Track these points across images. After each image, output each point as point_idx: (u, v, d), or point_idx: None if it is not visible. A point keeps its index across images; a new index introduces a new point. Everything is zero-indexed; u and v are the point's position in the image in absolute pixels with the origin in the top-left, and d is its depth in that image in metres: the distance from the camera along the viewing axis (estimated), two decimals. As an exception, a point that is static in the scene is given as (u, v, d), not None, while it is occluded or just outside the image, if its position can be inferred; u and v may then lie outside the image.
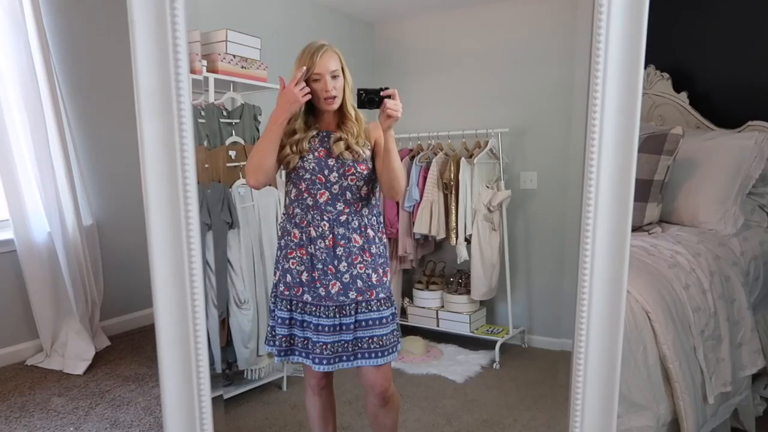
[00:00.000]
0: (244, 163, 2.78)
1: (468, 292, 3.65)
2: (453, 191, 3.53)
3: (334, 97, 1.76)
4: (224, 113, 2.77)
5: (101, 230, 3.55)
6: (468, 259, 3.53)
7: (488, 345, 3.54)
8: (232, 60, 2.80)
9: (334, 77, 1.76)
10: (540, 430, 2.58)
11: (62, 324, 3.19)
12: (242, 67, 2.86)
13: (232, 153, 2.77)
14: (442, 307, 3.77)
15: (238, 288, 2.71)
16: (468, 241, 3.54)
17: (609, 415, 1.26)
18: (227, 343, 2.71)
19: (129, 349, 3.42)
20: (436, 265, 3.98)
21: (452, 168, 3.53)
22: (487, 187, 3.56)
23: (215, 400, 1.14)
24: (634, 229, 2.55)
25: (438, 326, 3.74)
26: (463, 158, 3.52)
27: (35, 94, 3.03)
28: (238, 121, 2.83)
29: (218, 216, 2.64)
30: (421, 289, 3.83)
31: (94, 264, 3.40)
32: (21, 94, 3.01)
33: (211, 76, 2.71)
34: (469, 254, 3.53)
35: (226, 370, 2.84)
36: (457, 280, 3.78)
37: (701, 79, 3.13)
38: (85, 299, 3.26)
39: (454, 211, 3.53)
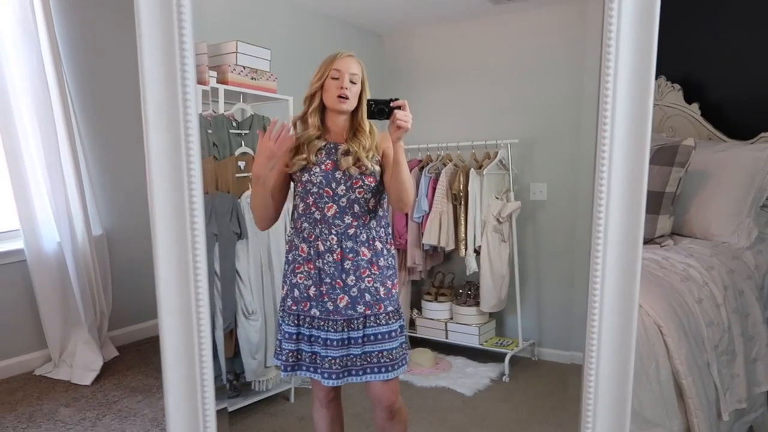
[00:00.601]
0: (254, 173, 2.81)
1: (477, 304, 3.62)
2: (462, 202, 3.51)
3: (347, 98, 1.77)
4: (234, 124, 2.78)
5: (110, 240, 3.56)
6: (477, 271, 3.51)
7: (498, 357, 3.51)
8: (242, 71, 2.82)
9: (352, 81, 1.77)
10: (550, 445, 2.55)
11: (71, 334, 3.19)
12: (252, 78, 2.88)
13: (241, 164, 2.77)
14: (451, 318, 3.75)
15: (246, 299, 2.70)
16: (477, 252, 3.52)
17: (621, 429, 1.23)
18: (235, 354, 2.70)
19: (137, 360, 3.42)
20: (445, 277, 3.96)
21: (461, 179, 3.51)
22: (497, 198, 3.54)
23: (220, 413, 1.13)
24: (646, 242, 2.52)
25: (447, 338, 3.71)
26: (472, 169, 3.50)
27: (47, 104, 3.05)
28: (247, 131, 2.84)
29: (226, 226, 2.64)
30: (430, 301, 3.81)
31: (103, 274, 3.40)
32: (32, 104, 3.03)
33: (221, 87, 2.72)
34: (479, 266, 3.50)
35: (234, 381, 2.83)
36: (467, 291, 3.76)
37: (713, 90, 3.11)
38: (93, 309, 3.27)
39: (463, 222, 3.52)
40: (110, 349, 3.39)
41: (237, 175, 2.74)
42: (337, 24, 3.84)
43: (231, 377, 2.80)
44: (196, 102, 1.00)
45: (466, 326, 3.65)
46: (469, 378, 3.33)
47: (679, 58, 3.08)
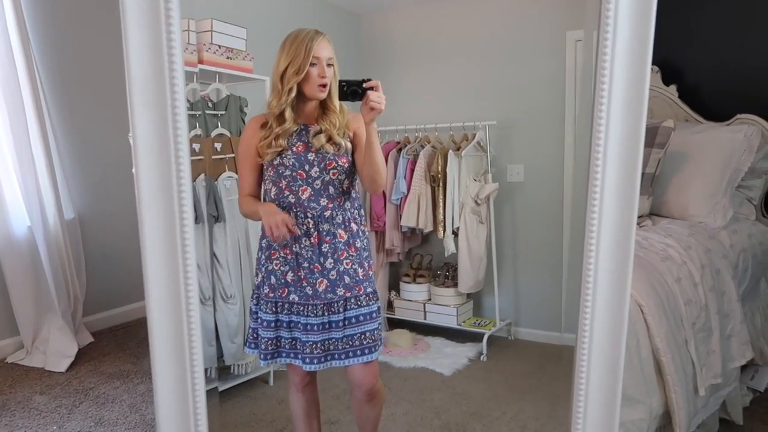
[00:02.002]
0: (231, 155, 2.75)
1: (455, 285, 3.65)
2: (440, 184, 3.52)
3: (327, 84, 1.73)
4: (209, 105, 2.72)
5: (84, 224, 3.47)
6: (455, 252, 3.53)
7: (475, 337, 3.55)
8: (217, 50, 2.75)
9: (328, 65, 1.73)
10: (528, 421, 2.59)
11: (44, 320, 3.12)
12: (228, 58, 2.81)
13: (218, 145, 2.72)
14: (430, 300, 3.77)
15: (225, 282, 2.67)
16: (455, 233, 3.54)
17: (612, 408, 1.25)
18: (214, 338, 2.67)
19: (113, 345, 3.36)
20: (423, 258, 3.97)
21: (440, 161, 3.51)
22: (475, 180, 3.55)
23: (210, 393, 1.12)
24: (625, 222, 2.56)
25: (425, 319, 3.74)
26: (450, 151, 3.50)
27: (14, 86, 2.95)
28: (223, 112, 2.78)
29: (203, 209, 2.59)
30: (408, 282, 3.82)
31: (77, 258, 3.32)
32: (0, 86, 2.93)
33: (196, 67, 2.65)
34: (457, 247, 3.52)
35: (213, 365, 2.80)
36: (445, 273, 3.78)
37: (690, 73, 3.15)
38: (67, 295, 3.20)
39: (441, 204, 3.52)
40: (85, 335, 3.33)
41: (213, 156, 2.69)
42: (313, 2, 3.78)
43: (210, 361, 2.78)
44: (183, 79, 0.96)
45: (444, 307, 3.68)
46: (447, 358, 3.36)
47: (657, 41, 3.09)
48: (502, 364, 3.33)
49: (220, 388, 2.77)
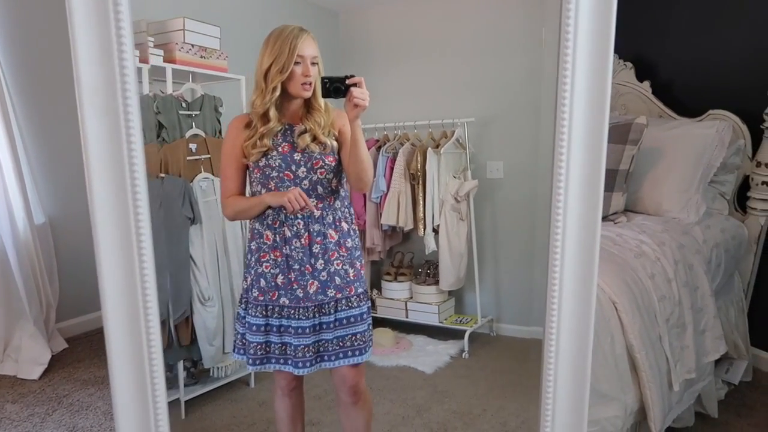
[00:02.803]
0: (206, 156, 2.72)
1: (436, 283, 3.65)
2: (420, 182, 3.51)
3: (311, 83, 1.70)
4: (183, 105, 2.69)
5: (55, 228, 3.39)
6: (436, 250, 3.52)
7: (457, 335, 3.55)
8: (190, 49, 2.72)
9: (313, 63, 1.70)
10: (509, 419, 2.60)
11: (15, 327, 3.06)
12: (201, 57, 2.78)
13: (193, 146, 2.69)
14: (411, 298, 3.77)
15: (202, 285, 2.64)
16: (436, 231, 3.53)
17: (581, 403, 1.25)
18: (191, 341, 2.64)
19: (87, 351, 3.30)
20: (404, 256, 3.96)
21: (419, 158, 3.50)
22: (454, 177, 3.55)
23: (172, 404, 1.09)
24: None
25: (407, 317, 3.73)
26: (429, 148, 3.50)
27: None
28: (198, 113, 2.75)
29: (178, 211, 2.56)
30: (390, 281, 3.81)
31: (48, 264, 3.26)
32: None
33: (169, 67, 2.62)
34: (437, 245, 3.52)
35: (191, 368, 2.78)
36: (426, 270, 3.78)
37: (663, 68, 3.16)
38: (39, 301, 3.14)
39: (421, 202, 3.52)
40: (59, 341, 3.27)
41: (188, 157, 2.66)
42: (290, 0, 3.75)
43: (188, 364, 2.76)
44: (137, 82, 0.94)
45: (425, 305, 3.68)
46: (429, 356, 3.36)
47: (631, 37, 3.12)
48: (484, 360, 3.34)
49: (200, 392, 2.75)
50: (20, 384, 2.89)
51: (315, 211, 1.74)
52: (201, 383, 2.80)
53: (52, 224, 3.38)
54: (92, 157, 0.94)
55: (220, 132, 2.86)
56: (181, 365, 2.67)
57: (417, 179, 3.51)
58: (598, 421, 1.79)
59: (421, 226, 3.53)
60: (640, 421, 2.00)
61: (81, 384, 2.90)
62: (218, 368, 2.77)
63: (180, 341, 2.61)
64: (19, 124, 3.18)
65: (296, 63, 1.67)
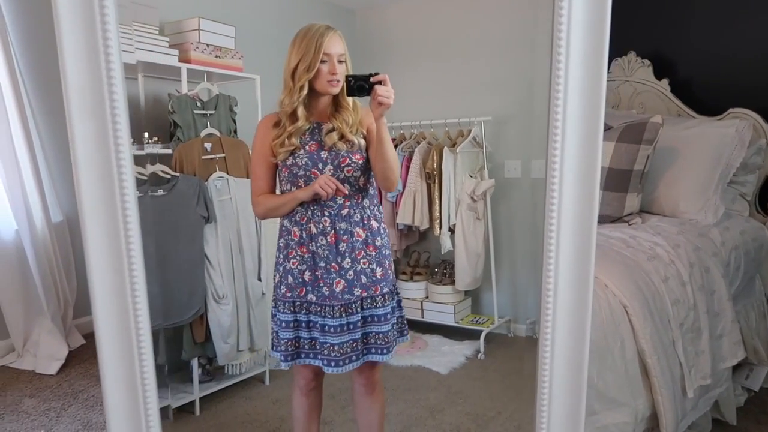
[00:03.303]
0: (221, 155, 2.75)
1: (452, 283, 3.62)
2: (436, 181, 3.49)
3: (339, 80, 1.69)
4: (198, 104, 2.71)
5: (72, 227, 3.43)
6: (452, 249, 3.50)
7: (474, 335, 3.52)
8: (205, 49, 2.74)
9: (340, 61, 1.70)
10: (523, 421, 2.56)
11: (34, 323, 3.13)
12: (216, 57, 2.80)
13: (208, 145, 2.71)
14: (427, 297, 3.75)
15: (216, 283, 2.67)
16: (452, 230, 3.51)
17: (577, 408, 1.22)
18: (206, 339, 2.67)
19: (106, 347, 3.36)
20: (420, 256, 3.95)
21: (435, 157, 3.48)
22: (471, 177, 3.52)
23: (163, 411, 1.10)
24: (614, 220, 2.51)
25: (423, 317, 3.72)
26: (446, 147, 3.47)
27: None
28: (213, 112, 2.77)
29: (192, 210, 2.58)
30: (406, 280, 3.79)
31: (66, 261, 3.31)
32: None
33: (184, 66, 2.64)
34: (453, 244, 3.49)
35: (206, 365, 2.81)
36: (442, 270, 3.75)
37: (683, 66, 3.08)
38: (57, 297, 3.20)
39: (437, 201, 3.50)
40: (76, 337, 3.33)
41: (203, 157, 2.68)
42: (306, -1, 3.75)
43: (204, 361, 2.78)
44: (124, 87, 0.94)
45: (441, 305, 3.66)
46: (444, 356, 3.34)
47: (649, 34, 3.05)
48: (499, 361, 3.30)
49: (215, 389, 2.78)
50: (38, 379, 2.96)
51: (345, 192, 1.72)
52: (216, 380, 2.83)
53: (70, 222, 3.44)
54: (80, 157, 0.95)
55: (235, 131, 2.88)
56: (195, 362, 2.70)
57: (433, 178, 3.49)
58: (606, 427, 1.76)
59: (437, 226, 3.51)
60: (652, 427, 1.96)
61: (97, 380, 2.91)
62: (233, 365, 2.80)
63: (195, 338, 2.64)
64: (36, 122, 3.23)
65: (323, 61, 1.67)
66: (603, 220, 2.54)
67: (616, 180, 2.43)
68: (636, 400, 1.85)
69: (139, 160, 2.56)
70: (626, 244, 2.12)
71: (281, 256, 1.82)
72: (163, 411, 1.39)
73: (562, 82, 0.99)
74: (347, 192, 1.73)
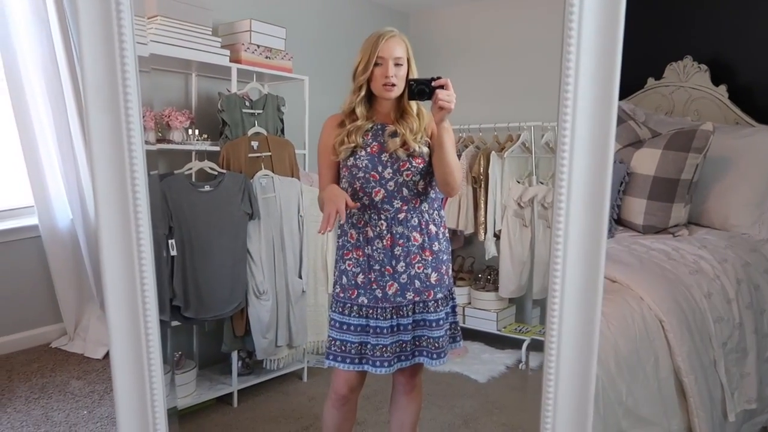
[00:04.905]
0: (267, 153, 2.80)
1: (496, 289, 3.56)
2: (482, 185, 3.44)
3: (394, 84, 1.69)
4: (247, 104, 2.77)
5: (123, 218, 3.61)
6: (496, 255, 3.44)
7: (516, 344, 3.44)
8: (256, 50, 2.81)
9: (397, 65, 1.70)
10: (560, 435, 2.48)
11: (84, 309, 3.27)
12: (266, 57, 2.86)
13: (254, 144, 2.77)
14: (469, 303, 3.70)
15: (258, 279, 2.72)
16: (497, 236, 3.45)
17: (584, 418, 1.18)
18: (246, 333, 2.72)
19: (152, 334, 3.49)
20: (464, 261, 3.90)
21: (482, 162, 3.44)
22: (518, 182, 3.45)
23: (170, 412, 1.13)
24: (658, 231, 2.41)
25: (464, 323, 3.66)
26: (493, 152, 3.42)
27: (57, 82, 3.06)
28: (261, 111, 2.83)
29: (237, 206, 2.64)
30: (449, 285, 3.75)
31: (116, 251, 3.46)
32: (44, 82, 3.05)
33: (234, 66, 2.72)
34: (498, 250, 3.43)
35: (246, 359, 2.87)
36: (486, 276, 3.69)
37: (743, 71, 2.91)
38: (105, 285, 3.34)
39: (482, 206, 3.44)
40: (123, 324, 3.47)
41: (249, 155, 2.74)
42: (361, 2, 3.78)
43: (243, 355, 2.84)
44: (137, 82, 0.98)
45: (484, 311, 3.59)
46: (484, 364, 3.28)
47: (707, 37, 2.90)
48: (541, 372, 3.21)
49: (252, 382, 2.83)
50: (86, 362, 3.09)
51: (356, 205, 1.72)
52: (255, 374, 2.88)
53: (121, 214, 3.60)
54: (96, 152, 0.98)
55: (282, 131, 2.94)
56: (235, 355, 2.76)
57: (479, 183, 3.45)
58: (635, 446, 1.69)
59: (481, 231, 3.46)
60: (688, 449, 1.86)
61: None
62: (271, 360, 2.84)
63: (235, 332, 2.70)
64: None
65: (377, 64, 1.69)
66: (647, 230, 2.44)
67: (662, 189, 2.33)
68: (670, 420, 1.76)
69: (187, 157, 2.65)
70: (668, 256, 2.02)
71: (339, 255, 1.83)
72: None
73: (572, 89, 0.95)
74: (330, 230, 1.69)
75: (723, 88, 2.90)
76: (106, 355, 3.11)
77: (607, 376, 1.61)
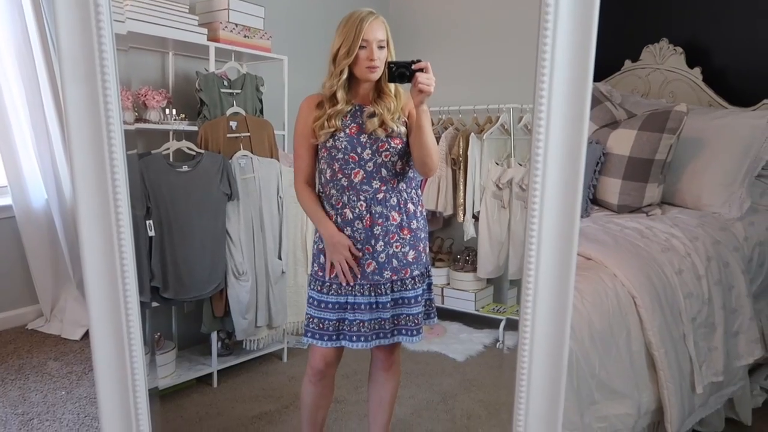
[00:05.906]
0: (246, 134, 2.78)
1: (474, 270, 3.59)
2: (461, 167, 3.46)
3: (377, 66, 1.70)
4: (225, 83, 2.75)
5: (100, 198, 3.58)
6: (475, 237, 3.47)
7: (494, 324, 3.49)
8: (234, 29, 2.78)
9: (380, 47, 1.70)
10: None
11: (61, 290, 3.25)
12: (245, 37, 2.83)
13: (233, 124, 2.75)
14: (448, 284, 3.73)
15: (237, 259, 2.71)
16: (476, 218, 3.48)
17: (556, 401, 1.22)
18: (225, 314, 2.73)
19: (130, 315, 3.48)
20: (443, 242, 3.93)
21: (461, 143, 3.45)
22: (497, 164, 3.48)
23: (152, 392, 1.13)
24: (632, 210, 2.45)
25: (443, 303, 3.70)
26: (472, 134, 3.43)
27: (29, 60, 3.01)
28: (239, 91, 2.81)
29: (216, 187, 2.63)
30: (427, 266, 3.78)
31: (92, 230, 3.44)
32: (16, 60, 3.00)
33: (212, 45, 2.69)
34: (477, 231, 3.46)
35: (226, 340, 2.87)
36: (464, 257, 3.73)
37: (717, 54, 2.95)
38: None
39: (462, 188, 3.47)
40: (100, 304, 3.46)
41: (228, 135, 2.72)
42: (338, -18, 3.75)
43: (223, 336, 2.85)
44: (114, 55, 0.97)
45: (462, 292, 3.63)
46: (462, 344, 3.32)
47: (683, 20, 2.94)
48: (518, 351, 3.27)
49: (232, 362, 2.83)
50: (63, 343, 3.07)
51: (352, 281, 1.77)
52: (234, 355, 2.88)
53: (98, 193, 3.57)
54: (72, 123, 0.98)
55: (261, 111, 2.92)
56: (215, 336, 2.76)
57: (458, 164, 3.47)
58: (606, 418, 1.74)
59: (460, 212, 3.49)
60: (658, 421, 1.92)
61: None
62: (251, 341, 2.84)
63: (214, 313, 2.70)
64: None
65: (362, 47, 1.68)
66: (621, 210, 2.48)
67: (637, 169, 2.37)
68: (641, 392, 1.81)
69: (165, 137, 2.63)
70: (641, 234, 2.07)
71: (317, 236, 1.84)
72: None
73: (547, 72, 0.97)
74: (351, 282, 1.77)
75: (698, 70, 2.94)
76: (84, 336, 3.10)
77: (581, 350, 1.65)
